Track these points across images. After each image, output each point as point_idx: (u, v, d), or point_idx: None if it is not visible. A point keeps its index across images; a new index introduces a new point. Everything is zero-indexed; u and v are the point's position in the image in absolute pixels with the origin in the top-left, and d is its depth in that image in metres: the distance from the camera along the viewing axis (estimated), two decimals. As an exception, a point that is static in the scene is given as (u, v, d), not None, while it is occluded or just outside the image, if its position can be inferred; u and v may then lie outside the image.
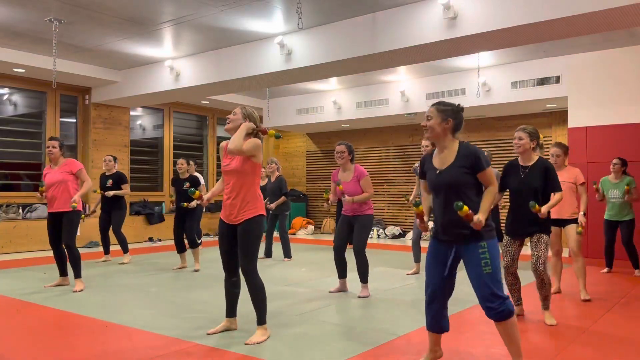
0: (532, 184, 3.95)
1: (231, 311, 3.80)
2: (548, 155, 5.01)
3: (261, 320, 3.61)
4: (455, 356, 3.25)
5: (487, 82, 8.82)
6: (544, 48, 7.77)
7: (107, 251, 7.55)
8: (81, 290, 5.26)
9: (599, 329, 3.92)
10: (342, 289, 5.26)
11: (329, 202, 5.16)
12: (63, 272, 5.54)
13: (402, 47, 6.12)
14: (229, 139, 3.63)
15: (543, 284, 4.04)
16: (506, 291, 3.29)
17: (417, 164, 6.21)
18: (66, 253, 5.46)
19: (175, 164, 11.46)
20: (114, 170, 7.37)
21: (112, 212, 7.29)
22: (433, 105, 3.00)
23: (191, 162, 6.89)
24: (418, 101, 9.78)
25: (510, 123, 10.34)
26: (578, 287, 5.09)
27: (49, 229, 5.42)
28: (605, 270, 6.48)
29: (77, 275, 5.36)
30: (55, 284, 5.53)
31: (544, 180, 3.95)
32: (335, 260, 5.21)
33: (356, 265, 5.08)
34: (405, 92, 9.82)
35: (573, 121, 7.97)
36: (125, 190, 7.28)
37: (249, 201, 3.56)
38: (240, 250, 3.57)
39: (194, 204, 6.52)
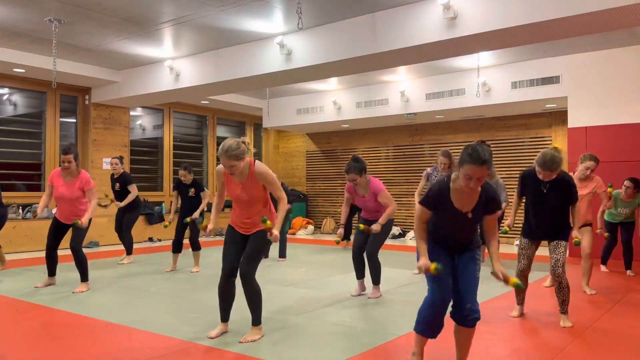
0: (553, 200, 3.95)
1: (226, 315, 3.74)
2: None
3: (257, 321, 3.63)
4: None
5: (487, 82, 8.81)
6: (544, 48, 7.77)
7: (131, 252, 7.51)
8: (82, 292, 5.26)
9: (599, 328, 3.92)
10: (362, 289, 5.17)
11: (340, 231, 5.12)
12: (52, 273, 5.53)
13: (402, 47, 6.12)
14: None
15: (561, 287, 3.99)
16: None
17: (429, 170, 6.24)
18: (58, 256, 5.48)
19: (175, 164, 11.52)
20: (121, 172, 7.32)
21: (125, 213, 7.29)
22: (484, 165, 2.59)
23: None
24: (418, 101, 9.78)
25: (510, 123, 10.34)
26: (580, 286, 5.25)
27: (52, 233, 5.38)
28: (603, 268, 6.50)
29: (84, 279, 5.35)
30: (45, 284, 5.51)
31: (565, 196, 3.96)
32: (354, 260, 5.15)
33: (368, 267, 5.05)
34: (405, 92, 9.82)
35: (573, 121, 7.97)
36: (133, 192, 7.19)
37: (265, 212, 3.65)
38: (246, 252, 3.59)
39: (196, 215, 6.61)
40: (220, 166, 3.61)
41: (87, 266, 5.37)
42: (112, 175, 7.42)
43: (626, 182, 6.09)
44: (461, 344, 2.91)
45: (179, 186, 6.76)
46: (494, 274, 2.76)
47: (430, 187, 2.88)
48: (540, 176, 3.93)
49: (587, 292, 5.17)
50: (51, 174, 5.42)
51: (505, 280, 2.70)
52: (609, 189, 5.68)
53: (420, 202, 2.86)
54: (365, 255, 5.04)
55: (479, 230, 2.95)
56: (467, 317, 2.78)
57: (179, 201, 6.79)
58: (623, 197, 6.14)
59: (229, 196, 3.71)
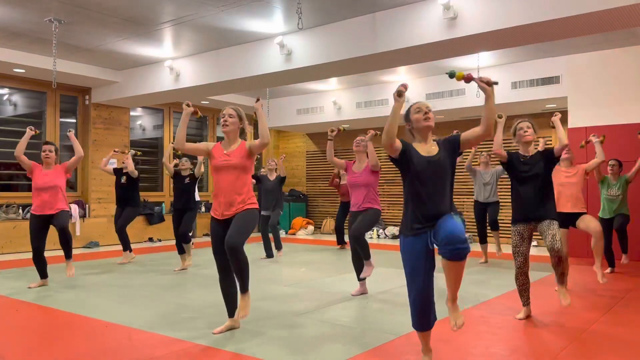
0: (536, 170, 4.07)
1: (232, 311, 3.81)
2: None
3: (244, 288, 3.64)
4: (455, 356, 3.24)
5: (487, 82, 8.81)
6: (544, 48, 7.77)
7: (129, 248, 7.53)
8: (72, 275, 5.55)
9: (599, 329, 3.92)
10: (363, 291, 5.12)
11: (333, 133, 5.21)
12: (44, 275, 5.56)
13: (402, 47, 6.12)
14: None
15: (560, 261, 3.97)
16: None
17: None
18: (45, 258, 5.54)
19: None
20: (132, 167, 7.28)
21: (124, 209, 7.26)
22: (424, 101, 3.17)
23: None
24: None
25: (510, 123, 10.20)
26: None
27: (36, 233, 5.39)
28: (608, 270, 6.49)
29: (69, 256, 5.55)
30: (39, 285, 5.53)
31: (546, 164, 4.09)
32: (353, 262, 5.12)
33: (357, 248, 4.93)
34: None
35: (573, 121, 7.97)
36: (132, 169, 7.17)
37: (247, 197, 3.68)
38: (232, 227, 3.58)
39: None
40: (211, 143, 3.85)
41: (72, 244, 5.56)
42: (121, 169, 7.35)
43: (611, 162, 6.35)
44: (452, 278, 2.79)
45: (176, 177, 6.78)
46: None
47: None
48: (523, 137, 4.18)
49: (599, 278, 5.24)
50: (35, 163, 5.55)
51: (488, 83, 3.01)
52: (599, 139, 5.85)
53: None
54: (351, 239, 4.92)
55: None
56: (457, 254, 2.67)
57: (172, 172, 6.78)
58: (610, 178, 6.37)
59: (218, 168, 3.69)
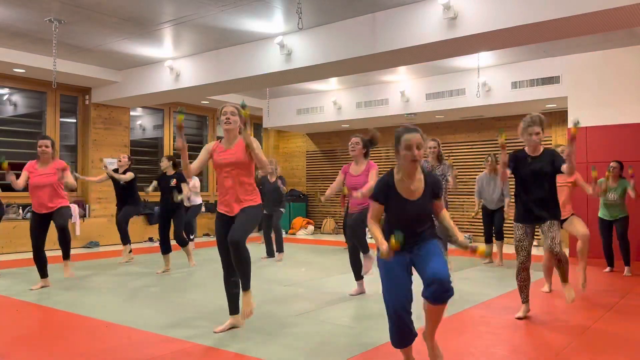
0: (544, 169, 4.05)
1: (235, 309, 3.84)
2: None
3: (246, 286, 3.68)
4: (455, 356, 3.24)
5: (487, 82, 8.81)
6: (544, 48, 7.77)
7: (128, 242, 7.52)
8: (70, 275, 5.55)
9: (600, 328, 3.92)
10: (361, 290, 5.13)
11: (323, 199, 5.29)
12: (44, 275, 5.53)
13: (402, 47, 6.12)
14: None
15: (560, 263, 4.11)
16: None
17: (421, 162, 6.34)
18: (46, 255, 5.53)
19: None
20: (127, 167, 7.33)
21: (124, 206, 7.31)
22: (416, 132, 2.79)
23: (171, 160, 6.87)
24: (418, 101, 9.78)
25: (510, 123, 10.31)
26: (578, 286, 5.16)
27: (36, 232, 5.39)
28: (607, 269, 6.50)
29: (67, 256, 5.55)
30: (39, 286, 5.49)
31: (552, 165, 4.05)
32: (351, 262, 5.12)
33: (355, 242, 4.97)
34: (405, 92, 9.82)
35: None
36: (129, 175, 7.22)
37: (250, 191, 3.76)
38: (236, 222, 3.64)
39: (182, 197, 6.57)
40: (210, 143, 3.91)
41: (70, 244, 5.61)
42: (117, 169, 7.36)
43: (612, 164, 6.25)
44: (432, 317, 2.81)
45: (162, 178, 6.80)
46: (457, 243, 2.82)
47: (376, 181, 2.94)
48: (532, 143, 4.10)
49: (581, 283, 5.06)
50: (26, 165, 5.50)
51: (473, 251, 2.77)
52: (593, 173, 5.41)
53: (371, 197, 2.92)
54: (349, 231, 4.96)
55: (435, 224, 2.98)
56: (442, 297, 2.68)
57: (159, 190, 6.80)
58: (610, 181, 6.22)
59: (215, 170, 3.82)
